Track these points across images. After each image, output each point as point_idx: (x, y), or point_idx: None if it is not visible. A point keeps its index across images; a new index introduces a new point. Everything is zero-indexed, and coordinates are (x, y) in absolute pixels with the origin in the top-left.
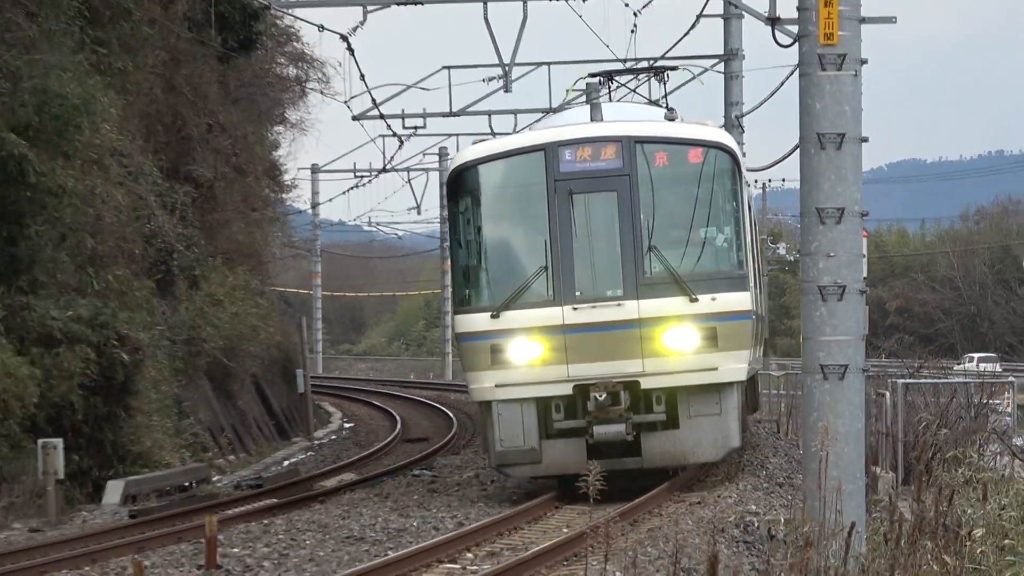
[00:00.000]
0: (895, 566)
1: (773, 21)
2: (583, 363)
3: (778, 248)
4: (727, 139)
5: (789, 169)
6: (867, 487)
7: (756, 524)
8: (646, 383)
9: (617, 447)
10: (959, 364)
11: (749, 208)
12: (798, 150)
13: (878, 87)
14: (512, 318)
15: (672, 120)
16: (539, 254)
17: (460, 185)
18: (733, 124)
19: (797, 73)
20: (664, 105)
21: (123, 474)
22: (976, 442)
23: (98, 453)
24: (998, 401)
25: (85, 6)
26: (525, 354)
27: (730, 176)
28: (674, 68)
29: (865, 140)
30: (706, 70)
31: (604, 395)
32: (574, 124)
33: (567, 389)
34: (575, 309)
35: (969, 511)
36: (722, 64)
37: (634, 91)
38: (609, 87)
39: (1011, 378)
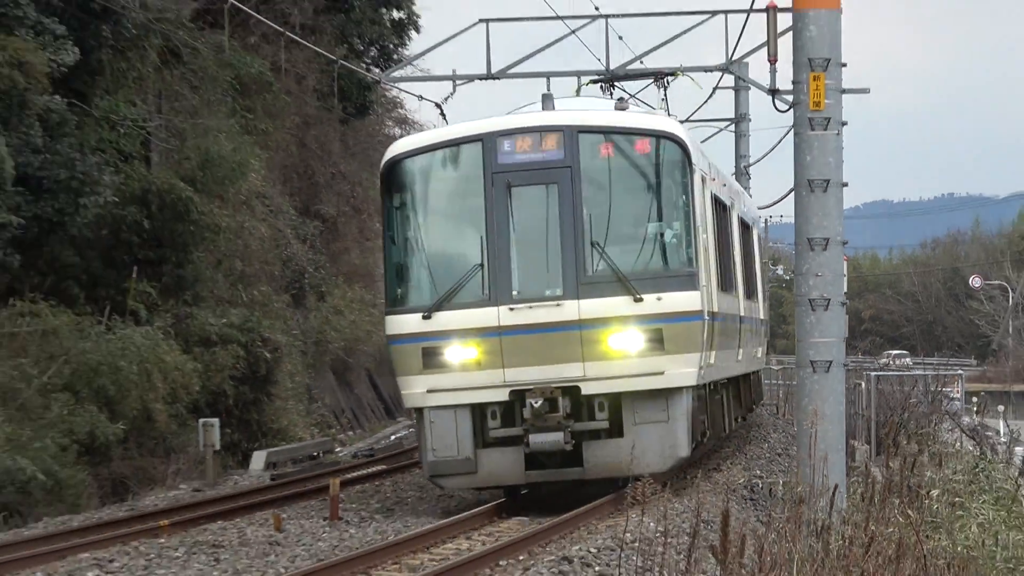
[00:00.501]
0: (869, 518)
1: (773, 92)
2: (520, 367)
3: (777, 269)
4: (677, 129)
5: (786, 207)
6: (847, 456)
7: (760, 485)
8: (587, 388)
9: (557, 457)
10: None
11: (723, 207)
12: (793, 192)
13: (856, 142)
14: (445, 319)
15: (623, 110)
16: (474, 251)
17: (393, 178)
18: (743, 173)
19: (792, 132)
20: (665, 111)
21: (265, 446)
22: (932, 421)
23: (246, 429)
24: (950, 389)
25: (236, 80)
26: (459, 357)
27: (680, 168)
28: (672, 74)
29: (845, 184)
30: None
31: (540, 401)
32: (515, 114)
33: (503, 395)
34: (512, 310)
35: (927, 475)
36: (733, 125)
37: (634, 96)
38: (611, 93)
39: (960, 371)
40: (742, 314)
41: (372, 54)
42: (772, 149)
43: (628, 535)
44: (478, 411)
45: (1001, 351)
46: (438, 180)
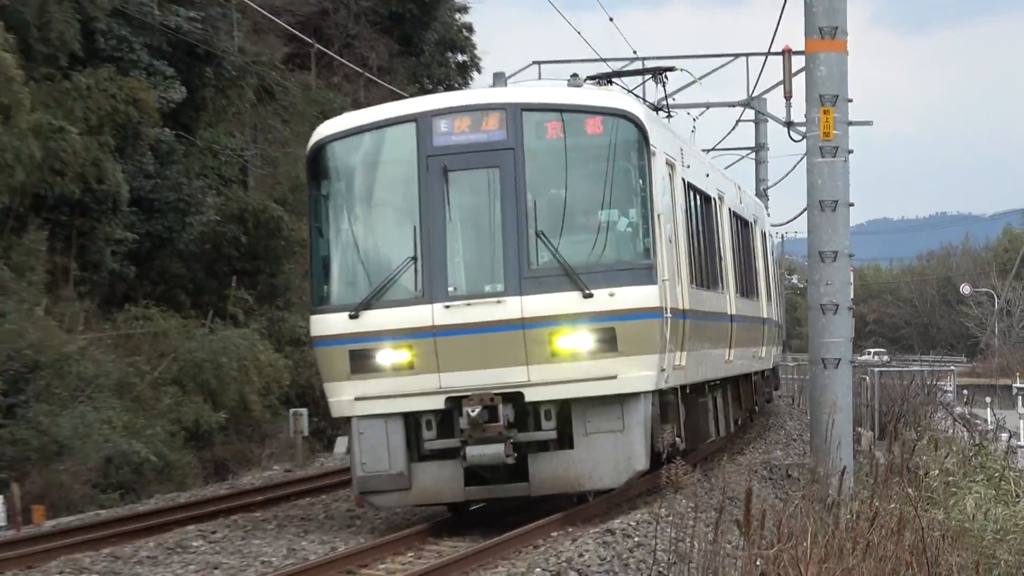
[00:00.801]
0: (874, 496)
1: (788, 124)
2: (458, 371)
3: (792, 279)
4: (633, 106)
5: (799, 224)
6: (854, 442)
7: (779, 467)
8: (532, 394)
9: (499, 471)
10: (860, 355)
11: (705, 199)
12: (806, 211)
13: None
14: (374, 319)
15: (576, 88)
16: (407, 243)
17: (320, 163)
18: (762, 195)
19: (805, 159)
20: (665, 109)
21: (347, 433)
22: (929, 411)
23: (330, 418)
24: (943, 383)
25: (321, 115)
26: (389, 361)
27: (636, 150)
28: (672, 69)
29: (852, 205)
30: (742, 157)
31: (478, 409)
32: (454, 92)
33: (439, 402)
34: (447, 307)
35: (925, 458)
36: (754, 153)
37: (631, 91)
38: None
39: (952, 368)
40: (733, 313)
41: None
42: (787, 174)
43: (663, 511)
44: (412, 420)
45: (988, 350)
46: (368, 165)
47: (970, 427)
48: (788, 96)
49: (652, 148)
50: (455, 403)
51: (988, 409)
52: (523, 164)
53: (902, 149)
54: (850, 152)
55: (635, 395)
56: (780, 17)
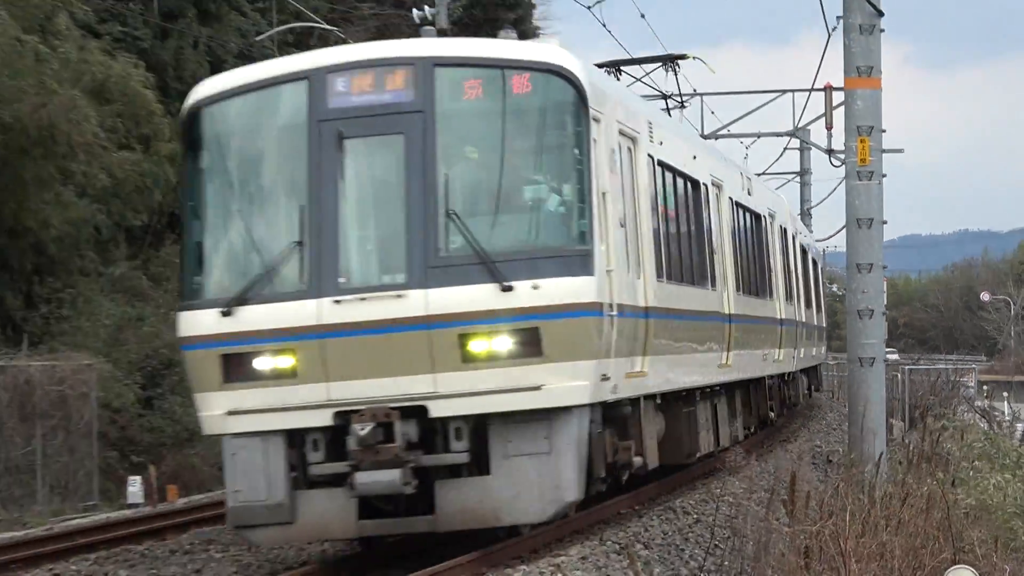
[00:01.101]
0: (905, 478)
1: (829, 152)
2: (349, 380)
3: (833, 287)
4: (569, 61)
5: (839, 240)
6: (887, 431)
7: (820, 454)
8: (438, 409)
9: (400, 502)
10: None
11: (689, 182)
12: (845, 228)
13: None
14: (250, 316)
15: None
16: (292, 224)
17: (194, 130)
18: (806, 214)
19: (844, 183)
20: (679, 100)
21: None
22: (952, 404)
23: None
24: (966, 379)
25: None
26: (268, 367)
27: (572, 113)
28: (683, 56)
29: (885, 222)
30: (788, 180)
31: (370, 427)
32: (357, 44)
33: (326, 418)
34: (338, 303)
35: (949, 445)
36: (799, 177)
37: (639, 80)
38: (618, 79)
39: (973, 366)
40: (732, 312)
41: None
42: (828, 195)
43: (719, 491)
44: (296, 440)
45: (1005, 350)
46: (250, 131)
47: (989, 418)
48: (829, 127)
49: (594, 113)
50: (346, 419)
51: (1005, 402)
52: (434, 130)
53: (930, 173)
54: (883, 176)
55: (565, 410)
56: (822, 57)
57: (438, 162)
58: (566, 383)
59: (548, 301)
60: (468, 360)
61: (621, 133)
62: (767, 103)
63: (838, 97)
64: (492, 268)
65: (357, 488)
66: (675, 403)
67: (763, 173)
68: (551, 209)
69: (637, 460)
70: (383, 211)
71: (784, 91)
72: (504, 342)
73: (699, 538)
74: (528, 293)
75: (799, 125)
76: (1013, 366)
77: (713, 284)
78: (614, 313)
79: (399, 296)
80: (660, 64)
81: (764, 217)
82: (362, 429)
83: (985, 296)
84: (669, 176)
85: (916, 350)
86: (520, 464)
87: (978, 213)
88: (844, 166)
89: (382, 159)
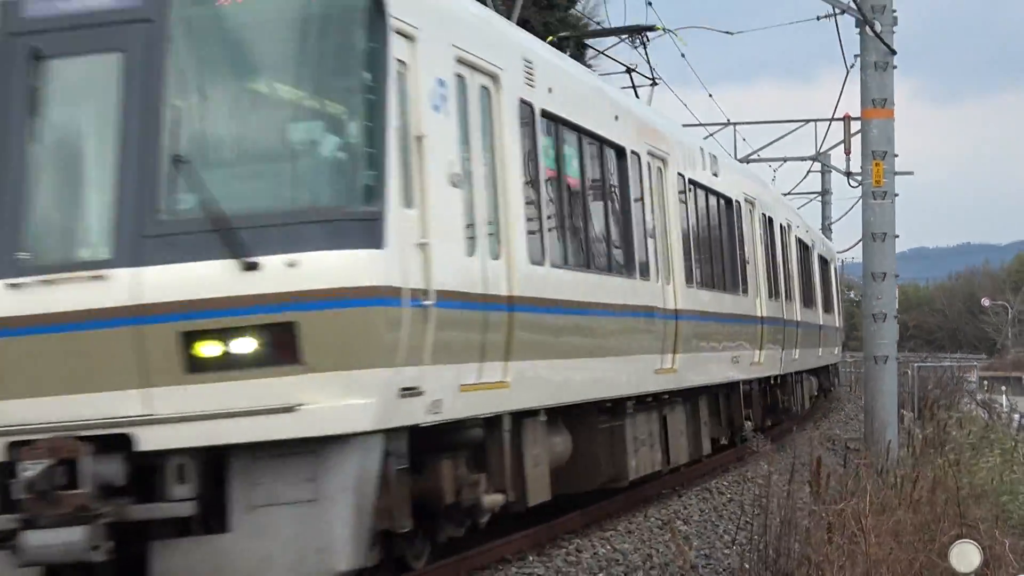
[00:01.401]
0: (915, 463)
1: (848, 174)
2: (26, 397)
3: (851, 294)
4: None
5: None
6: (898, 421)
7: (840, 440)
8: (149, 438)
9: (95, 572)
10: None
11: (612, 150)
12: (861, 241)
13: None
14: None
15: None
16: None
17: None
18: (827, 229)
19: (861, 201)
20: (651, 77)
21: None
22: (956, 397)
23: None
24: (968, 375)
25: None
26: None
27: (363, 24)
28: (652, 28)
29: (896, 236)
30: (811, 200)
31: (42, 466)
32: None
33: None
34: (14, 287)
35: (954, 433)
36: (820, 197)
37: (603, 52)
38: (583, 56)
39: (974, 363)
40: (678, 308)
41: None
42: (846, 213)
43: (749, 472)
44: None
45: (1003, 349)
46: None
47: (989, 410)
48: (847, 152)
49: (402, 25)
50: (17, 453)
51: (1003, 396)
52: (164, 46)
53: (936, 193)
54: (896, 195)
55: (339, 440)
56: (841, 91)
57: (167, 89)
58: (338, 401)
59: (310, 284)
60: (195, 369)
61: (457, 59)
62: (792, 131)
63: (855, 126)
64: (230, 237)
65: (28, 553)
66: (583, 419)
67: (788, 193)
68: (324, 155)
69: (493, 499)
70: (89, 160)
71: (808, 120)
72: (246, 344)
73: (732, 515)
74: (280, 273)
75: (821, 150)
76: (1010, 363)
77: (643, 273)
78: (430, 303)
79: (98, 278)
80: (627, 37)
81: (736, 203)
82: (30, 469)
83: (985, 302)
84: (560, 131)
85: (924, 349)
86: (272, 517)
87: (979, 228)
88: (861, 187)
89: (93, 86)
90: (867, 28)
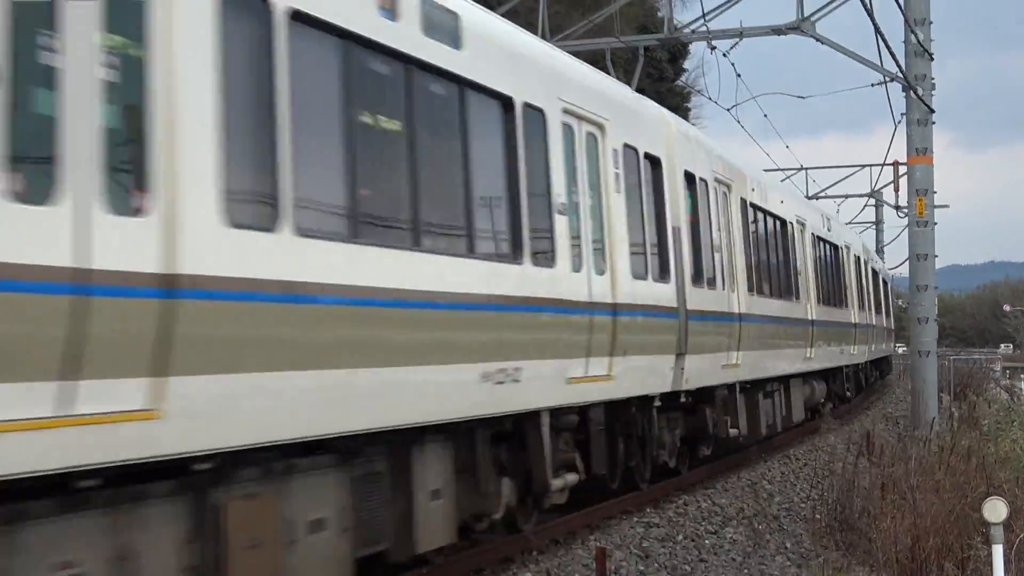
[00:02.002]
0: (952, 436)
1: (897, 207)
2: None
3: (900, 302)
4: None
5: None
6: (938, 402)
7: (891, 418)
8: None
9: None
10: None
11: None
12: (908, 260)
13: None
14: None
15: None
16: None
17: None
18: (880, 251)
19: (907, 229)
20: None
21: None
22: (984, 383)
23: None
24: (994, 366)
25: None
26: None
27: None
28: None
29: (936, 256)
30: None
31: None
32: None
33: None
34: None
35: (982, 412)
36: (875, 226)
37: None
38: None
39: (999, 356)
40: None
41: None
42: (895, 238)
43: (819, 443)
44: None
45: (1022, 345)
46: None
47: (1011, 393)
48: (896, 190)
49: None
50: None
51: (1022, 382)
52: None
53: (967, 221)
54: (935, 224)
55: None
56: (891, 142)
57: None
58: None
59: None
60: None
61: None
62: (852, 174)
63: (903, 169)
64: None
65: None
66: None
67: (849, 223)
68: None
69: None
70: None
71: (864, 165)
72: None
73: (806, 476)
74: None
75: (875, 188)
76: None
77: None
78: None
79: None
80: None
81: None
82: None
83: (1006, 307)
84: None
85: (958, 346)
86: None
87: (1001, 248)
88: (907, 217)
89: None
90: (911, 92)
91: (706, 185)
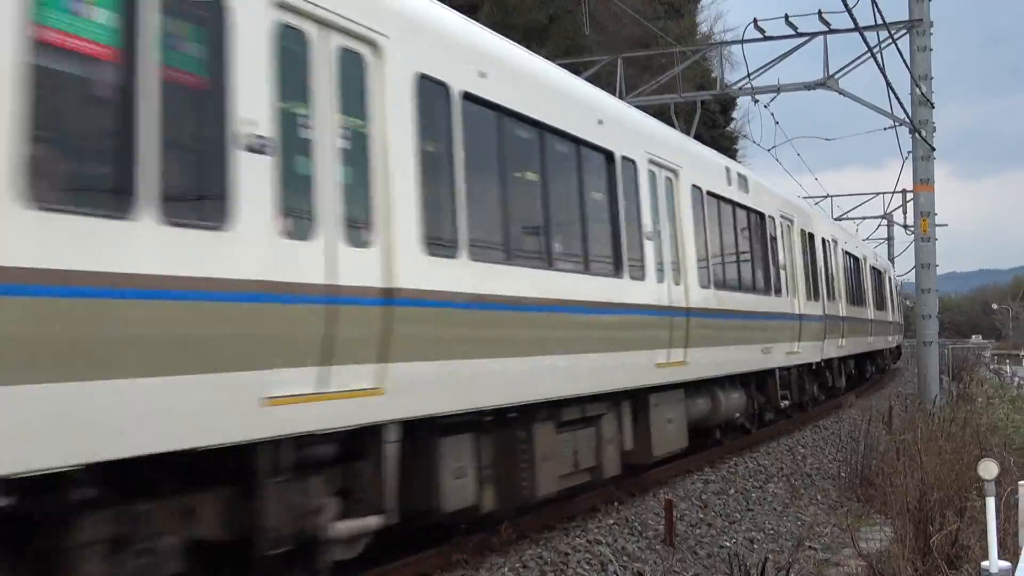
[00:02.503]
0: (951, 409)
1: (905, 226)
2: None
3: (908, 303)
4: None
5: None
6: (939, 383)
7: (902, 395)
8: None
9: None
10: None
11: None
12: (914, 269)
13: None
14: None
15: None
16: None
17: None
18: (891, 259)
19: (913, 242)
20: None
21: None
22: (977, 367)
23: None
24: (984, 353)
25: None
26: None
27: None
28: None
29: (937, 265)
30: (880, 244)
31: None
32: None
33: None
34: None
35: (975, 390)
36: (887, 241)
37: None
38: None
39: (988, 345)
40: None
41: None
42: (904, 250)
43: (844, 415)
44: None
45: (1007, 336)
46: None
47: (999, 375)
48: (904, 212)
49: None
50: None
51: (1008, 366)
52: None
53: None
54: (936, 239)
55: None
56: (900, 173)
57: None
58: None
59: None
60: None
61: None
62: (868, 200)
63: (910, 196)
64: None
65: None
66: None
67: (867, 239)
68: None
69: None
70: None
71: (879, 193)
72: None
73: (834, 441)
74: None
75: (887, 212)
76: (1011, 345)
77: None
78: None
79: None
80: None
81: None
82: None
83: (995, 306)
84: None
85: (955, 337)
86: None
87: (990, 257)
88: (913, 234)
89: None
90: (916, 134)
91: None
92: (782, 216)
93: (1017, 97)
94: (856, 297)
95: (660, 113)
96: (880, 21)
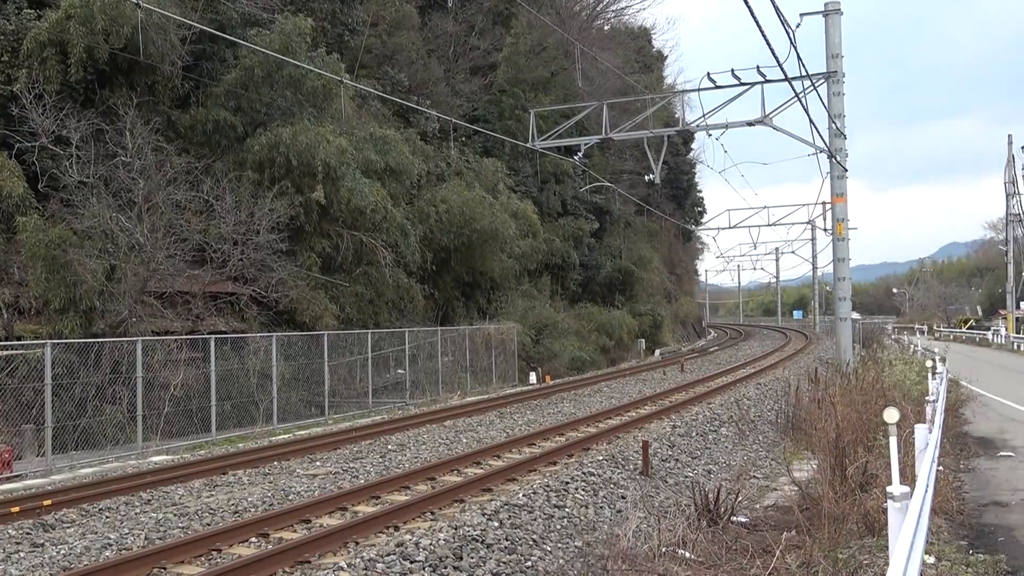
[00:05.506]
0: (862, 370)
1: (825, 229)
2: None
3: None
4: None
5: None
6: (852, 350)
7: (823, 360)
8: None
9: None
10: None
11: None
12: (832, 262)
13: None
14: None
15: None
16: None
17: None
18: (815, 257)
19: (831, 242)
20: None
21: (660, 348)
22: (882, 337)
23: (653, 342)
24: (888, 326)
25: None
26: None
27: None
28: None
29: (849, 259)
30: (804, 243)
31: None
32: None
33: None
34: None
35: (881, 355)
36: (811, 241)
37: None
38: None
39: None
40: None
41: None
42: (824, 248)
43: (779, 375)
44: None
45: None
46: None
47: (900, 344)
48: (824, 218)
49: None
50: None
51: (906, 336)
52: None
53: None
54: (849, 239)
55: None
56: (820, 188)
57: None
58: None
59: None
60: None
61: None
62: (796, 210)
63: (828, 206)
64: None
65: None
66: None
67: (793, 240)
68: None
69: None
70: None
71: (805, 204)
72: None
73: (772, 395)
74: None
75: (812, 218)
76: (908, 320)
77: None
78: None
79: None
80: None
81: None
82: None
83: (895, 290)
84: None
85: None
86: None
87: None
88: (832, 235)
89: None
90: (833, 159)
91: None
92: None
93: (916, 128)
94: None
95: (635, 145)
96: (804, 73)
